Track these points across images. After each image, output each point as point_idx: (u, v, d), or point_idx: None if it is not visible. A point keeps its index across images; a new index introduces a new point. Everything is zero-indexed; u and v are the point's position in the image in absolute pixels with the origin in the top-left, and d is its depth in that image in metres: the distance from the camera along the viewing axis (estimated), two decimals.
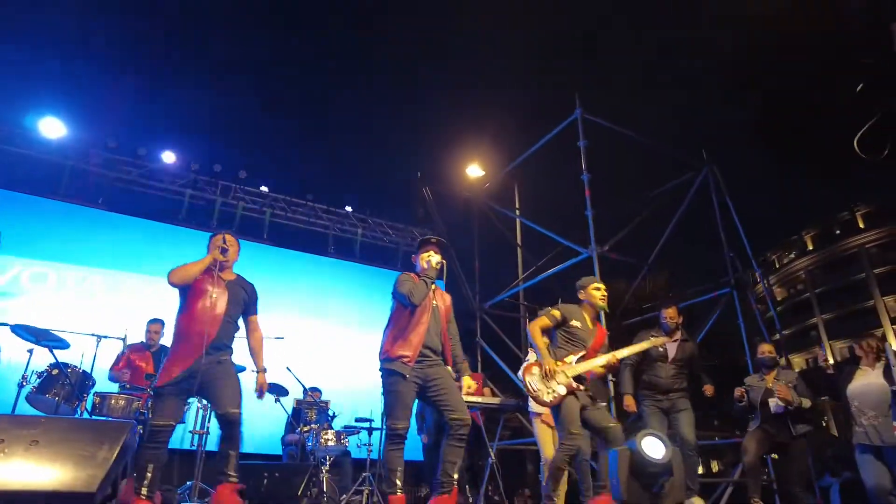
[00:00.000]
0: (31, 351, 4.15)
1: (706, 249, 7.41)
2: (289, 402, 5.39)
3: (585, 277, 3.53)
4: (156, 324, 4.74)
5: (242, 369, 4.50)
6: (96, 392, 4.09)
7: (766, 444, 4.16)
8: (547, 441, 4.11)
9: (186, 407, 4.43)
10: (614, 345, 4.65)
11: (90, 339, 4.42)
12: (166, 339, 4.32)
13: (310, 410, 5.01)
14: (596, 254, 5.97)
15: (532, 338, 3.28)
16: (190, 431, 4.89)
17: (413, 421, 5.44)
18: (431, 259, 3.10)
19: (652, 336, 4.55)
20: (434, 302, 3.08)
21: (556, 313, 3.31)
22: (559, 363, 3.25)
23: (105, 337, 4.48)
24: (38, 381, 4.02)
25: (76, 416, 4.04)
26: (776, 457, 5.81)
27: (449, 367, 3.07)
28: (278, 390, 5.04)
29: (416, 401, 3.00)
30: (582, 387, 3.22)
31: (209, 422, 4.92)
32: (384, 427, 2.94)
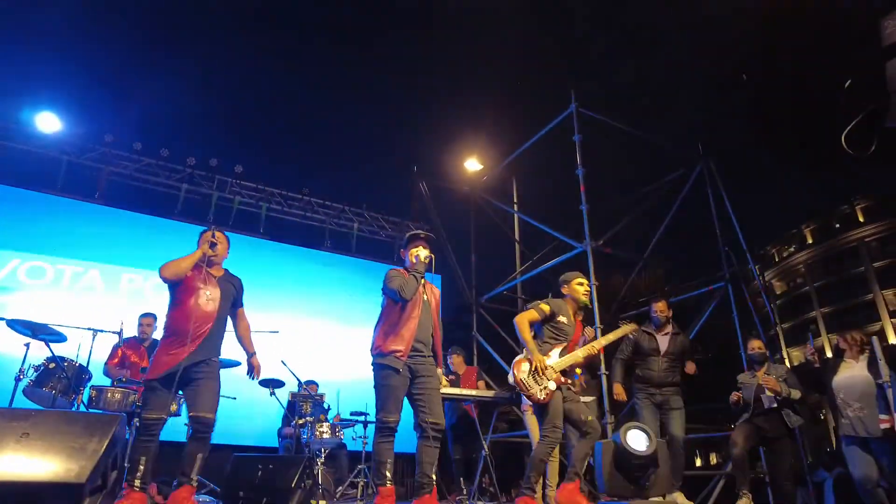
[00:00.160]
0: (27, 345, 4.18)
1: (702, 244, 7.44)
2: (284, 396, 5.43)
3: (569, 272, 3.55)
4: (148, 317, 4.75)
5: (237, 364, 4.56)
6: (93, 385, 4.14)
7: (754, 437, 4.21)
8: (538, 432, 4.16)
9: (180, 400, 4.48)
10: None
11: (86, 332, 4.45)
12: (159, 333, 4.35)
13: (305, 403, 5.05)
14: (590, 248, 6.01)
15: (519, 331, 3.29)
16: (185, 424, 4.95)
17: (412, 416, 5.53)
18: (420, 254, 3.11)
19: (643, 329, 4.61)
20: (424, 296, 3.11)
21: (546, 308, 3.32)
22: (546, 357, 3.28)
23: (101, 331, 4.52)
24: (35, 374, 4.06)
25: (73, 409, 4.09)
26: None
27: (440, 370, 3.11)
28: (274, 383, 5.07)
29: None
30: (569, 381, 3.27)
31: None
32: (375, 420, 2.97)
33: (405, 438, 3.03)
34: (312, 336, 8.01)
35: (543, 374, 3.15)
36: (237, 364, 4.53)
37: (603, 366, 5.40)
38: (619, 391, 4.41)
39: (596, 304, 5.70)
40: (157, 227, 7.64)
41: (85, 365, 4.26)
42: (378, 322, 3.10)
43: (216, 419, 2.90)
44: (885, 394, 3.41)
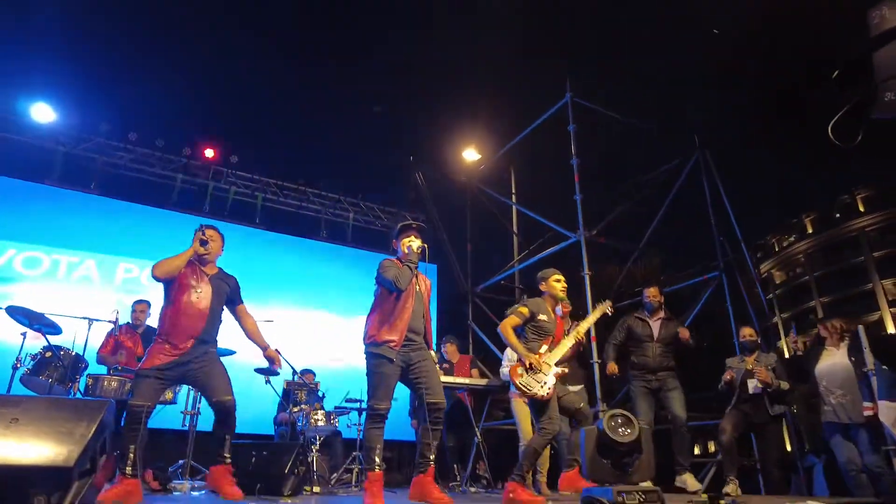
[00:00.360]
0: (24, 334, 4.24)
1: (698, 234, 7.45)
2: (279, 385, 5.48)
3: (546, 269, 3.59)
4: (142, 304, 4.77)
5: (232, 353, 4.60)
6: (89, 374, 4.19)
7: (742, 424, 4.26)
8: (525, 418, 4.21)
9: (178, 389, 4.53)
10: (604, 329, 4.73)
11: (82, 322, 4.50)
12: (152, 320, 4.39)
13: (299, 391, 5.10)
14: (584, 238, 6.03)
15: (506, 338, 3.33)
16: (182, 412, 5.01)
17: (409, 404, 5.59)
18: (412, 244, 3.12)
19: (636, 316, 4.67)
20: (417, 286, 3.14)
21: (525, 310, 3.36)
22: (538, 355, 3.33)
23: (97, 320, 4.56)
24: (32, 363, 4.11)
25: (69, 397, 4.14)
26: None
27: (432, 352, 3.15)
28: (269, 372, 5.11)
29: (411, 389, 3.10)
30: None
31: (200, 402, 5.04)
32: (366, 407, 3.01)
33: (398, 427, 3.07)
34: (308, 325, 8.06)
35: (540, 369, 3.20)
36: (232, 353, 4.58)
37: (595, 354, 5.46)
38: (613, 368, 4.52)
39: (590, 294, 5.74)
40: (152, 217, 7.66)
41: (81, 354, 4.31)
42: (371, 311, 3.12)
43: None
44: (870, 382, 3.45)
